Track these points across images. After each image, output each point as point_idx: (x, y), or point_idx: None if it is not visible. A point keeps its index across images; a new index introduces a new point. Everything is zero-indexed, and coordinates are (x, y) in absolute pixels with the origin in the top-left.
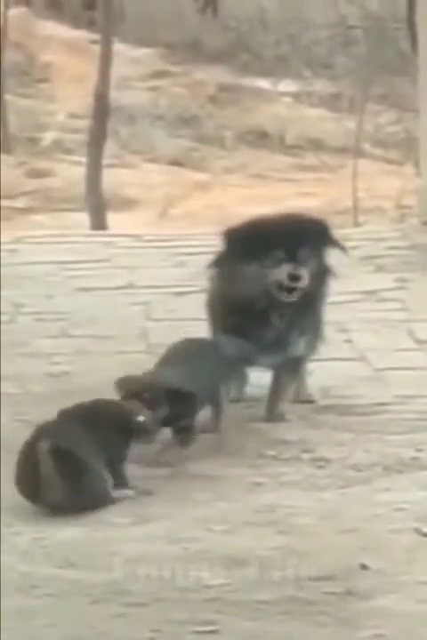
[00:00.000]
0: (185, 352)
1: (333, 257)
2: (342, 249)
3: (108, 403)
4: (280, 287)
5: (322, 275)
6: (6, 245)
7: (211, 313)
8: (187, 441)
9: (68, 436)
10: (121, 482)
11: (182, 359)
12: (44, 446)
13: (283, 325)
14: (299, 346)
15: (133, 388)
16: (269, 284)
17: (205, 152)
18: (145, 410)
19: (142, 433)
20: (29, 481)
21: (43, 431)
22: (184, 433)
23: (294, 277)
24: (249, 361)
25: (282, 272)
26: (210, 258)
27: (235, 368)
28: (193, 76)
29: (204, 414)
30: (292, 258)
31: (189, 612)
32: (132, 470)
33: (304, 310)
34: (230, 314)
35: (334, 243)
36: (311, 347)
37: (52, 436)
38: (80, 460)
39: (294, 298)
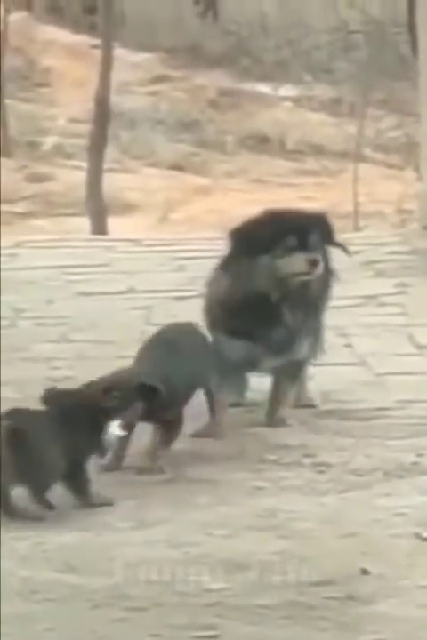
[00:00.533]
0: (165, 340)
1: (334, 260)
2: (344, 248)
3: (79, 390)
4: (295, 277)
5: (327, 276)
6: (6, 250)
7: (210, 319)
8: (166, 439)
9: (31, 419)
10: (80, 478)
11: (162, 348)
12: (5, 425)
13: (295, 323)
14: (303, 348)
15: (103, 385)
16: (284, 276)
17: (206, 156)
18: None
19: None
20: None
21: (9, 412)
22: (165, 430)
23: (313, 262)
24: (253, 364)
25: (297, 260)
26: (210, 262)
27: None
28: (193, 80)
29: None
30: (303, 245)
31: (189, 617)
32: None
33: (311, 311)
34: (235, 316)
35: (335, 237)
36: (313, 350)
37: (14, 418)
38: (33, 443)
39: (313, 277)
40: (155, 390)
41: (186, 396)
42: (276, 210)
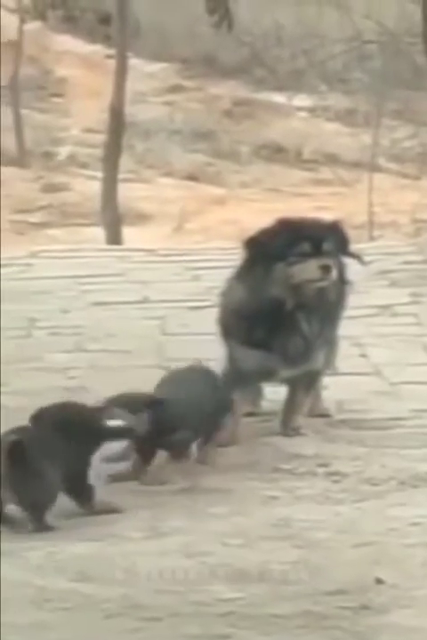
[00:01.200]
0: (178, 376)
1: (348, 270)
2: (358, 257)
3: (76, 406)
4: (309, 284)
5: (342, 286)
6: (21, 260)
7: (225, 328)
8: (178, 455)
9: (31, 434)
10: (81, 488)
11: (173, 382)
12: (7, 440)
13: (311, 332)
14: (319, 358)
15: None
16: (298, 283)
17: (221, 166)
18: (124, 413)
19: (113, 435)
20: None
21: (15, 429)
22: (176, 448)
23: (325, 268)
24: (269, 374)
25: (310, 266)
26: (225, 272)
27: (226, 404)
28: (208, 90)
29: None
30: (317, 252)
31: (203, 627)
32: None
33: (326, 321)
34: (251, 326)
35: (349, 245)
36: (328, 361)
37: (18, 433)
38: (30, 459)
39: (327, 283)
40: (164, 407)
41: (192, 428)
42: (290, 218)
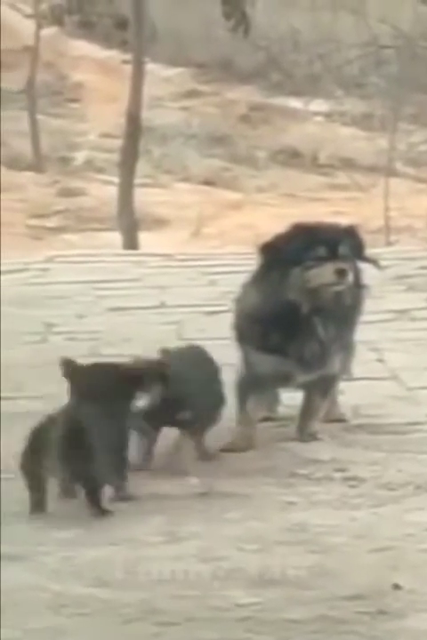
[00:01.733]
0: (185, 355)
1: (365, 275)
2: (374, 262)
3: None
4: (325, 288)
5: (358, 291)
6: (38, 265)
7: (240, 334)
8: (191, 433)
9: (86, 412)
10: (122, 471)
11: (183, 360)
12: (66, 419)
13: (327, 337)
14: (335, 362)
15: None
16: (315, 287)
17: (237, 171)
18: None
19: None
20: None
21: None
22: (185, 427)
23: (341, 272)
24: (285, 379)
25: (326, 270)
26: (242, 277)
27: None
28: (225, 95)
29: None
30: (333, 256)
31: (220, 632)
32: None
33: (343, 325)
34: (267, 331)
35: (365, 250)
36: (345, 365)
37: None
38: (89, 443)
39: (342, 286)
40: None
41: (198, 410)
42: (305, 223)
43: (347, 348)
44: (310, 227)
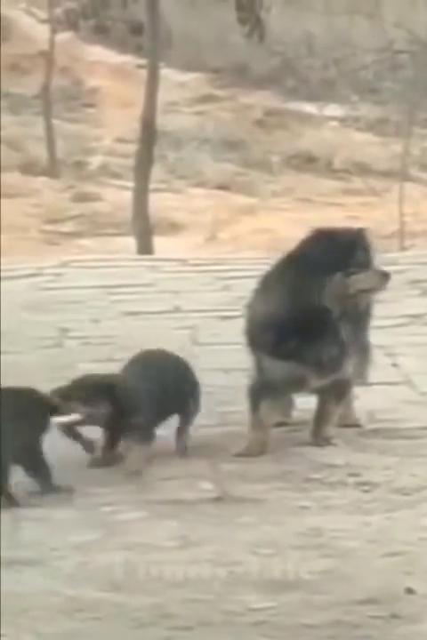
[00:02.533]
0: (138, 362)
1: None
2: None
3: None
4: (366, 293)
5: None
6: (52, 269)
7: (252, 339)
8: (140, 438)
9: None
10: (39, 471)
11: (134, 368)
12: None
13: (347, 341)
14: (350, 366)
15: (63, 389)
16: (355, 293)
17: (252, 176)
18: (79, 406)
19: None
20: None
21: None
22: (136, 431)
23: (386, 277)
24: (301, 384)
25: (372, 275)
26: (256, 282)
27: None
28: (240, 100)
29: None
30: (370, 260)
31: (234, 636)
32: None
33: (358, 328)
34: (285, 337)
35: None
36: (361, 371)
37: None
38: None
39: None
40: (122, 393)
41: (154, 412)
42: (327, 229)
43: (362, 351)
44: (342, 233)
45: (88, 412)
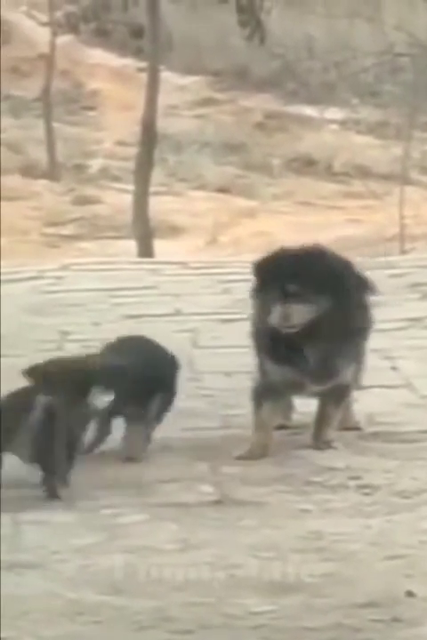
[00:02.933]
0: (116, 347)
1: (378, 283)
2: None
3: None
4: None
5: (361, 309)
6: (53, 272)
7: (256, 343)
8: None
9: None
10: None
11: (115, 352)
12: (42, 399)
13: (317, 356)
14: (347, 373)
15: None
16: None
17: (252, 179)
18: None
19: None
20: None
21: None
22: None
23: (286, 317)
24: (299, 389)
25: (275, 312)
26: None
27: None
28: (240, 103)
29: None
30: (282, 296)
31: (234, 639)
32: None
33: (350, 337)
34: (275, 344)
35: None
36: (356, 376)
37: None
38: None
39: (291, 330)
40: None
41: (140, 392)
42: (275, 253)
43: (358, 359)
44: (272, 260)
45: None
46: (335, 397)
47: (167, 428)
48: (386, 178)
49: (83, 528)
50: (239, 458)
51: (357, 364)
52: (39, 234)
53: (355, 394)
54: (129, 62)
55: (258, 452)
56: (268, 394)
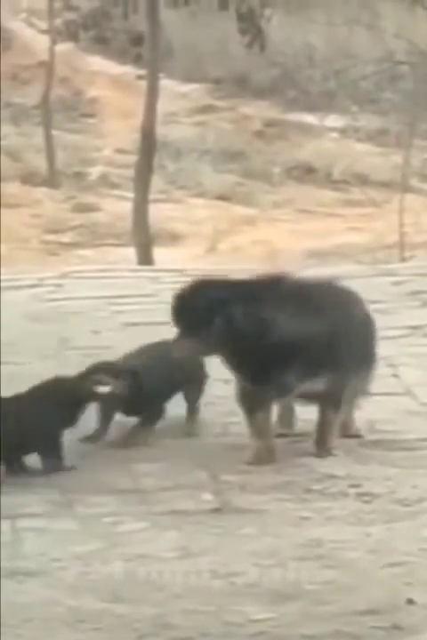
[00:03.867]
0: (140, 351)
1: (378, 291)
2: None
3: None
4: None
5: (365, 317)
6: (53, 280)
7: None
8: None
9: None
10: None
11: (137, 357)
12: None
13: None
14: (343, 372)
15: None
16: None
17: (252, 187)
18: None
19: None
20: None
21: None
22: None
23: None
24: (287, 389)
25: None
26: None
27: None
28: (240, 110)
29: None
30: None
31: None
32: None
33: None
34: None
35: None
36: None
37: None
38: None
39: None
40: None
41: (161, 394)
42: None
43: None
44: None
45: (115, 386)
46: (332, 401)
47: (167, 435)
48: (386, 185)
49: (83, 535)
50: (249, 463)
51: (365, 371)
52: (39, 241)
53: (359, 401)
54: (129, 70)
55: (265, 458)
56: (253, 398)
